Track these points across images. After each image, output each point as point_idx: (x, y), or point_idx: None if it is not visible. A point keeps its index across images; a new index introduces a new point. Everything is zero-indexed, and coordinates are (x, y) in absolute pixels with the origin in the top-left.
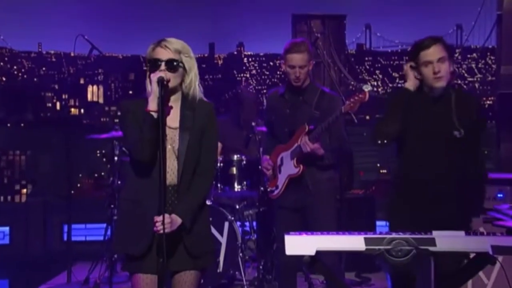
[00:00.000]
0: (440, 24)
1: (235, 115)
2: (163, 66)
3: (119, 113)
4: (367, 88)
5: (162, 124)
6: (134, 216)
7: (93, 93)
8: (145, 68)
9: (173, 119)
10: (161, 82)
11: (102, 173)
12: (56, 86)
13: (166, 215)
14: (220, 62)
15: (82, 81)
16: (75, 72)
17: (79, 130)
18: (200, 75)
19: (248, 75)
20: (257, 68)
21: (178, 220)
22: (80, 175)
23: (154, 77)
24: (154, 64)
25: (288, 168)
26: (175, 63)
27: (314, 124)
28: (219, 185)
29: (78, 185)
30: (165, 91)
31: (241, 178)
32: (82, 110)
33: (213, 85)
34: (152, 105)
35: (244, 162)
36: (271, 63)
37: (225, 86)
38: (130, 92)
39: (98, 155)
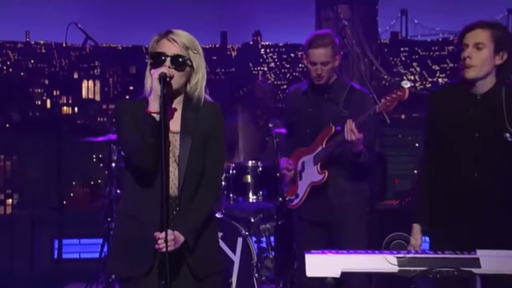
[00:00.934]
0: (489, 8)
1: (250, 115)
2: (168, 62)
3: (114, 119)
4: (406, 84)
5: (164, 127)
6: (131, 232)
7: (89, 89)
8: (147, 61)
9: (174, 122)
10: (163, 79)
11: (99, 181)
12: (46, 81)
13: (169, 231)
14: (233, 53)
15: (76, 76)
16: (67, 65)
17: (72, 131)
18: (210, 68)
19: (265, 68)
20: (275, 60)
21: (181, 238)
22: (74, 183)
23: (155, 73)
24: (158, 59)
25: (310, 175)
26: (181, 60)
27: (342, 125)
28: (231, 195)
29: (71, 194)
30: (168, 90)
31: (257, 187)
32: (75, 109)
33: (225, 79)
34: (154, 105)
35: (260, 168)
36: (292, 55)
37: (239, 81)
38: (131, 88)
39: (94, 160)
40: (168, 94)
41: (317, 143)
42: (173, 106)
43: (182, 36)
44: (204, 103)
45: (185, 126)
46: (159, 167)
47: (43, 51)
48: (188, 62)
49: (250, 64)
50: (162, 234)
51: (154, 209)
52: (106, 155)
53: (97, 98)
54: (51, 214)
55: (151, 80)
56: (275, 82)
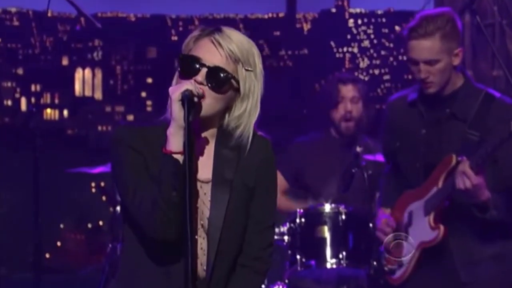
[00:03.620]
0: None
1: (327, 131)
2: (202, 75)
3: (112, 156)
4: None
5: (190, 175)
6: None
7: (85, 82)
8: (177, 68)
9: (202, 166)
10: (188, 99)
11: (100, 223)
12: (20, 70)
13: None
14: (306, 26)
15: (65, 62)
16: (52, 45)
17: (59, 147)
18: (272, 50)
19: (355, 50)
20: (371, 37)
21: None
22: (62, 225)
23: (176, 91)
24: (188, 66)
25: (419, 231)
26: (223, 76)
27: (469, 154)
28: (298, 257)
29: (58, 243)
30: (196, 117)
31: (338, 246)
32: (65, 112)
33: (293, 68)
34: (174, 141)
35: (343, 216)
36: (397, 28)
37: (315, 70)
38: (149, 80)
39: (93, 191)
40: (196, 123)
41: (431, 182)
42: (202, 140)
43: (234, 40)
44: (254, 136)
45: (220, 172)
46: (181, 236)
47: (16, 23)
48: (233, 82)
49: (332, 43)
50: None
51: None
52: (111, 184)
53: (98, 95)
54: (24, 278)
55: (171, 101)
56: (371, 72)
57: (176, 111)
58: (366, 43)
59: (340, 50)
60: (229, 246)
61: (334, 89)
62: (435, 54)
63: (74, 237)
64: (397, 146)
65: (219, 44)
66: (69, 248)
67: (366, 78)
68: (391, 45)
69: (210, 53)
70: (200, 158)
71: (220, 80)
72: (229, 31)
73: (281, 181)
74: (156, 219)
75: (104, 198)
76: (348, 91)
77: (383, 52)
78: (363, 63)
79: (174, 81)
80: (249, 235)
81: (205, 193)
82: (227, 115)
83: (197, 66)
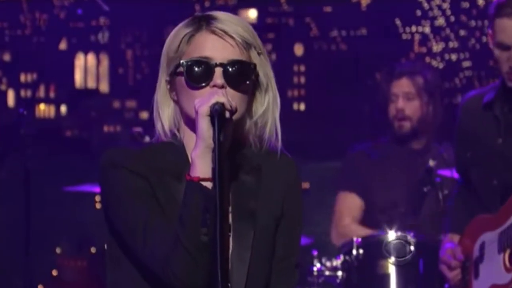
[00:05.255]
0: None
1: (391, 134)
2: (218, 76)
3: (109, 181)
4: None
5: (222, 207)
6: None
7: (87, 70)
8: (166, 78)
9: None
10: (219, 114)
11: (106, 247)
12: (7, 56)
13: None
14: (364, 1)
15: (63, 45)
16: (47, 24)
17: (55, 152)
18: (321, 30)
19: (427, 30)
20: (447, 13)
21: None
22: (58, 250)
23: (204, 104)
24: (197, 71)
25: (492, 270)
26: (244, 69)
27: None
28: None
29: (54, 273)
30: (227, 136)
31: (405, 284)
32: (62, 109)
33: (348, 53)
34: (202, 166)
35: (411, 246)
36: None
37: (375, 54)
38: None
39: (98, 206)
40: (225, 142)
41: (509, 208)
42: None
43: (236, 22)
44: (272, 154)
45: (240, 200)
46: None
47: None
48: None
49: (397, 22)
50: None
51: None
52: None
53: (103, 87)
54: None
55: (198, 115)
56: (447, 57)
57: (204, 129)
58: (440, 21)
59: (408, 30)
60: (255, 283)
61: (385, 84)
62: None
63: (74, 265)
64: (468, 157)
65: (225, 32)
66: (67, 278)
67: (441, 66)
68: (473, 23)
69: (218, 47)
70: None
71: (243, 75)
72: (225, 15)
73: (354, 202)
74: (180, 264)
75: None
76: (400, 86)
77: (462, 33)
78: (437, 46)
79: (160, 97)
80: (275, 270)
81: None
82: (247, 119)
83: (209, 68)
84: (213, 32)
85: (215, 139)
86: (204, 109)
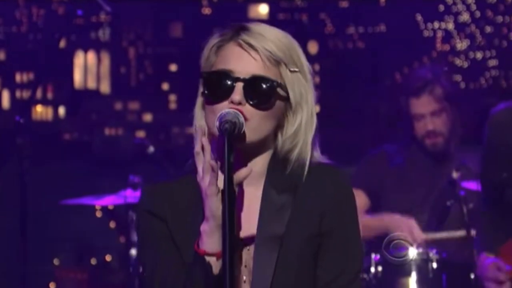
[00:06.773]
0: None
1: (413, 138)
2: (238, 92)
3: (136, 219)
4: None
5: (233, 280)
6: None
7: (87, 69)
8: (201, 88)
9: (246, 218)
10: (228, 133)
11: (107, 259)
12: (2, 55)
13: None
14: None
15: (62, 44)
16: (44, 21)
17: (53, 156)
18: (337, 27)
19: (450, 26)
20: (472, 9)
21: None
22: (57, 261)
23: (211, 185)
24: (217, 85)
25: None
26: (266, 86)
27: None
28: None
29: (51, 286)
30: (239, 160)
31: None
32: (60, 110)
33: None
34: (210, 242)
35: (435, 265)
36: None
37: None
38: (173, 67)
39: (99, 215)
40: (238, 157)
41: None
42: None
43: (268, 36)
44: (312, 170)
45: (267, 226)
46: None
47: None
48: (280, 90)
49: (419, 18)
50: None
51: None
52: (123, 206)
53: (105, 88)
54: None
55: (203, 195)
56: (472, 56)
57: (213, 207)
58: (465, 16)
59: (430, 26)
60: None
61: (404, 104)
62: None
63: (74, 277)
64: (504, 177)
65: (251, 46)
66: None
67: (465, 65)
68: (500, 19)
69: (241, 61)
70: (247, 202)
71: (263, 92)
72: (258, 27)
73: (359, 200)
74: None
75: (112, 225)
76: (422, 105)
77: (488, 29)
78: (461, 44)
79: (197, 110)
80: None
81: (249, 254)
82: (279, 136)
83: (229, 82)
84: (239, 45)
85: (228, 170)
86: (212, 190)
